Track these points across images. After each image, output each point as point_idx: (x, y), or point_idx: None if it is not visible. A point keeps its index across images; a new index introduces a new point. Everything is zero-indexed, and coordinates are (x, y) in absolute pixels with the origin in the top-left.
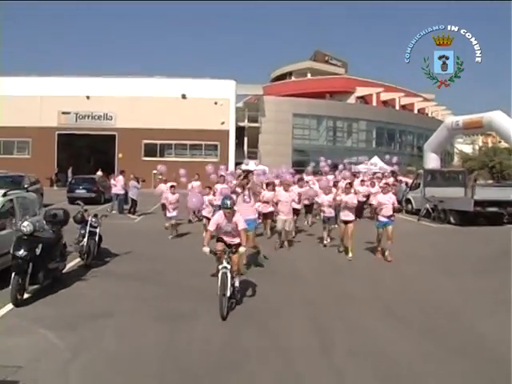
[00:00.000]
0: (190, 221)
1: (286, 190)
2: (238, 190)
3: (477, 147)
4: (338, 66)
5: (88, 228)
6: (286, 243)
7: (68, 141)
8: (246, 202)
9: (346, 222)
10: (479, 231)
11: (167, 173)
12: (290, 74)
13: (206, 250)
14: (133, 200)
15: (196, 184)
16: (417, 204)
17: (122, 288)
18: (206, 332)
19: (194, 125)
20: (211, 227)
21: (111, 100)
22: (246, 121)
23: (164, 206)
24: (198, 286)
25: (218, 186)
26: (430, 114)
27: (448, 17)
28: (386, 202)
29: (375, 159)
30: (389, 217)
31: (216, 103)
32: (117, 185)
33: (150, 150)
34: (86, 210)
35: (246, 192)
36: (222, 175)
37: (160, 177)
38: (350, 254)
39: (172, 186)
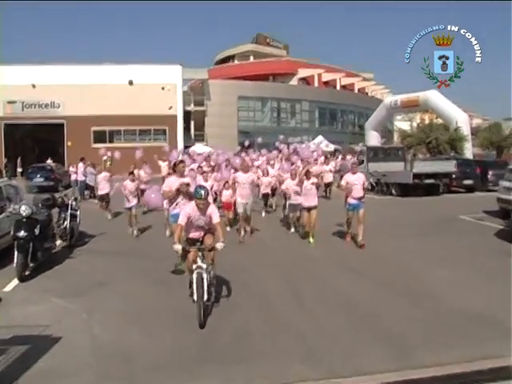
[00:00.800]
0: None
1: (246, 172)
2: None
3: (415, 124)
4: (280, 48)
5: (70, 211)
6: (247, 229)
7: (15, 130)
8: None
9: (310, 209)
10: (418, 201)
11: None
12: (232, 57)
13: (178, 247)
14: (90, 186)
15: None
16: None
17: (111, 263)
18: None
19: (142, 110)
20: (182, 221)
21: (58, 88)
22: (192, 105)
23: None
24: None
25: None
26: (369, 93)
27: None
28: (355, 182)
29: (319, 138)
30: (359, 198)
31: (163, 88)
32: (77, 172)
33: (100, 137)
34: (65, 195)
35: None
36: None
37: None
38: (312, 240)
39: (131, 173)
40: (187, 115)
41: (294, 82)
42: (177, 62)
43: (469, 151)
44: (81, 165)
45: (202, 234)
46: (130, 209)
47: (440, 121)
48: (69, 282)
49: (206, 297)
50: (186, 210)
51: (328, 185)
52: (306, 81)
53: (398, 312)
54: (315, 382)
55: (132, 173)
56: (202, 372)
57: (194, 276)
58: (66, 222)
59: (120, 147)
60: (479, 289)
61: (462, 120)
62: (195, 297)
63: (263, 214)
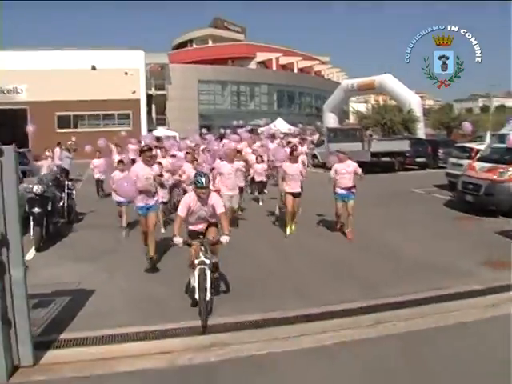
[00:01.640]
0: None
1: (230, 161)
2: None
3: (369, 106)
4: (237, 32)
5: (67, 190)
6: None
7: None
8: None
9: (295, 196)
10: (376, 177)
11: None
12: (191, 41)
13: (179, 240)
14: (66, 169)
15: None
16: (322, 158)
17: (113, 234)
18: None
19: (105, 95)
20: (181, 212)
21: (21, 73)
22: (153, 89)
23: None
24: None
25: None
26: (326, 76)
27: None
28: (342, 171)
29: (279, 121)
30: (349, 189)
31: (126, 73)
32: (53, 156)
33: (64, 122)
34: (62, 176)
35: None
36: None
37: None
38: (289, 231)
39: (120, 162)
40: (149, 99)
41: (252, 65)
42: (138, 48)
43: (421, 131)
44: (57, 149)
45: (205, 226)
46: (120, 204)
47: (393, 102)
48: (80, 250)
49: (208, 296)
50: (185, 199)
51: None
52: (264, 64)
53: (364, 262)
54: (306, 309)
55: (121, 161)
56: (223, 308)
57: (196, 273)
58: (63, 201)
59: (84, 132)
60: (429, 244)
61: (414, 102)
62: (196, 295)
63: (260, 203)
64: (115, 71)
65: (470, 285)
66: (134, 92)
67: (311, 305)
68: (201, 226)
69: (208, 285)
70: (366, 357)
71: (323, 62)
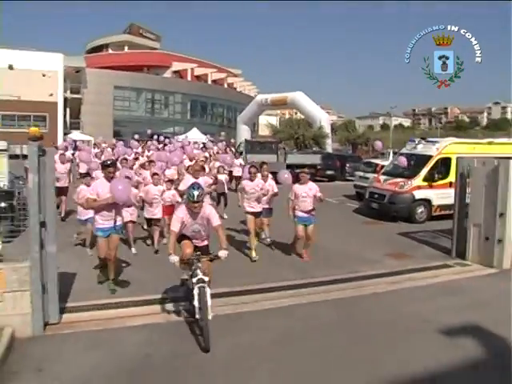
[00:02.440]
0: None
1: (196, 177)
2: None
3: (279, 118)
4: (153, 40)
5: None
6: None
7: None
8: None
9: (255, 215)
10: (289, 187)
11: None
12: (106, 46)
13: (175, 259)
14: None
15: None
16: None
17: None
18: None
19: (22, 96)
20: (175, 227)
21: None
22: (69, 92)
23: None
24: None
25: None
26: (238, 89)
27: None
28: (303, 194)
29: (194, 131)
30: (309, 212)
31: (44, 75)
32: None
33: None
34: None
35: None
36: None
37: None
38: (254, 254)
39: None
40: (63, 102)
41: (167, 74)
42: (56, 50)
43: (329, 146)
44: None
45: (201, 240)
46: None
47: (300, 116)
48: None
49: (210, 315)
50: (177, 213)
51: (237, 178)
52: (179, 74)
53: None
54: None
55: (87, 174)
56: (227, 282)
57: (196, 292)
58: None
59: None
60: (345, 241)
61: (324, 119)
62: (197, 315)
63: (225, 216)
64: (33, 72)
65: (378, 269)
66: (52, 94)
67: (264, 282)
68: (196, 241)
69: (209, 303)
70: (312, 314)
71: (235, 75)
